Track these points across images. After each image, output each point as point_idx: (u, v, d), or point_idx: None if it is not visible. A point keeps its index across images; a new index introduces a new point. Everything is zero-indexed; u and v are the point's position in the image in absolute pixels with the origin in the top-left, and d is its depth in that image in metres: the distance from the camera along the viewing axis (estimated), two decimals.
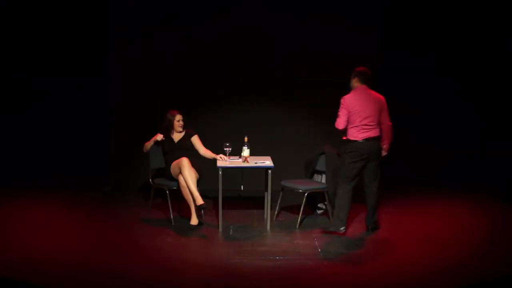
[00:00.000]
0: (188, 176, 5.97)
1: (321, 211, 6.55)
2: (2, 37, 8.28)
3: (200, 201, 5.91)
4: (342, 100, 5.76)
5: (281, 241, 5.69)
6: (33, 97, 8.54)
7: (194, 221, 6.07)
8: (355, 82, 5.85)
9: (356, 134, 5.74)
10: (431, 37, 8.45)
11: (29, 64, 8.49)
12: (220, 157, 6.20)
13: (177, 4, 7.35)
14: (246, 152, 6.10)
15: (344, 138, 5.83)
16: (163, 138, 6.32)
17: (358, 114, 5.70)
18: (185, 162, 6.02)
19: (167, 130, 6.36)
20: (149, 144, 6.34)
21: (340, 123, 5.75)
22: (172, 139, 6.37)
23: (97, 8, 7.88)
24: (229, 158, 6.16)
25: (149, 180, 6.39)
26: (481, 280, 4.77)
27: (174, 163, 6.15)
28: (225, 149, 6.11)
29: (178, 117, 6.33)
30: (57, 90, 8.55)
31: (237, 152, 6.21)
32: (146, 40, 7.39)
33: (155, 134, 6.34)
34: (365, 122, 5.72)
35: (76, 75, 8.50)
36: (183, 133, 6.40)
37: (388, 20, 7.79)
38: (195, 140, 6.41)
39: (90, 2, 8.01)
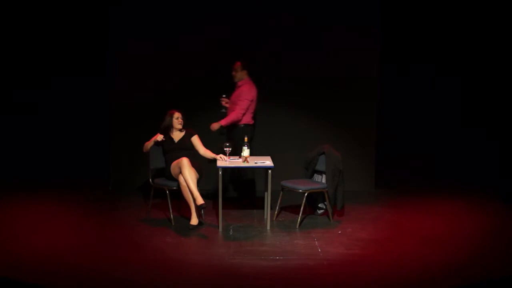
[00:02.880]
0: (188, 176, 5.97)
1: (321, 211, 6.55)
2: (2, 37, 8.28)
3: (200, 201, 5.91)
4: (250, 93, 6.69)
5: (281, 241, 5.69)
6: (33, 97, 8.53)
7: (194, 221, 6.06)
8: (244, 75, 6.78)
9: (249, 119, 6.78)
10: (431, 38, 8.45)
11: (29, 64, 8.48)
12: (220, 157, 6.21)
13: (177, 4, 7.35)
14: (246, 152, 6.10)
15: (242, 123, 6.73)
16: (163, 139, 6.32)
17: (254, 102, 6.75)
18: (185, 162, 6.02)
19: (167, 130, 6.36)
20: (149, 144, 6.34)
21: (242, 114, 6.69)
22: (172, 139, 6.37)
23: (97, 8, 7.88)
24: (229, 158, 6.17)
25: (149, 180, 6.39)
26: (481, 280, 4.77)
27: (174, 163, 6.15)
28: (225, 149, 6.11)
29: (177, 114, 6.33)
30: (57, 90, 8.55)
31: (237, 152, 6.21)
32: (146, 40, 7.39)
33: (155, 134, 6.35)
34: (254, 108, 6.79)
35: (76, 75, 8.49)
36: (183, 133, 6.40)
37: (388, 20, 7.79)
38: (195, 140, 6.41)
39: (90, 2, 8.01)
